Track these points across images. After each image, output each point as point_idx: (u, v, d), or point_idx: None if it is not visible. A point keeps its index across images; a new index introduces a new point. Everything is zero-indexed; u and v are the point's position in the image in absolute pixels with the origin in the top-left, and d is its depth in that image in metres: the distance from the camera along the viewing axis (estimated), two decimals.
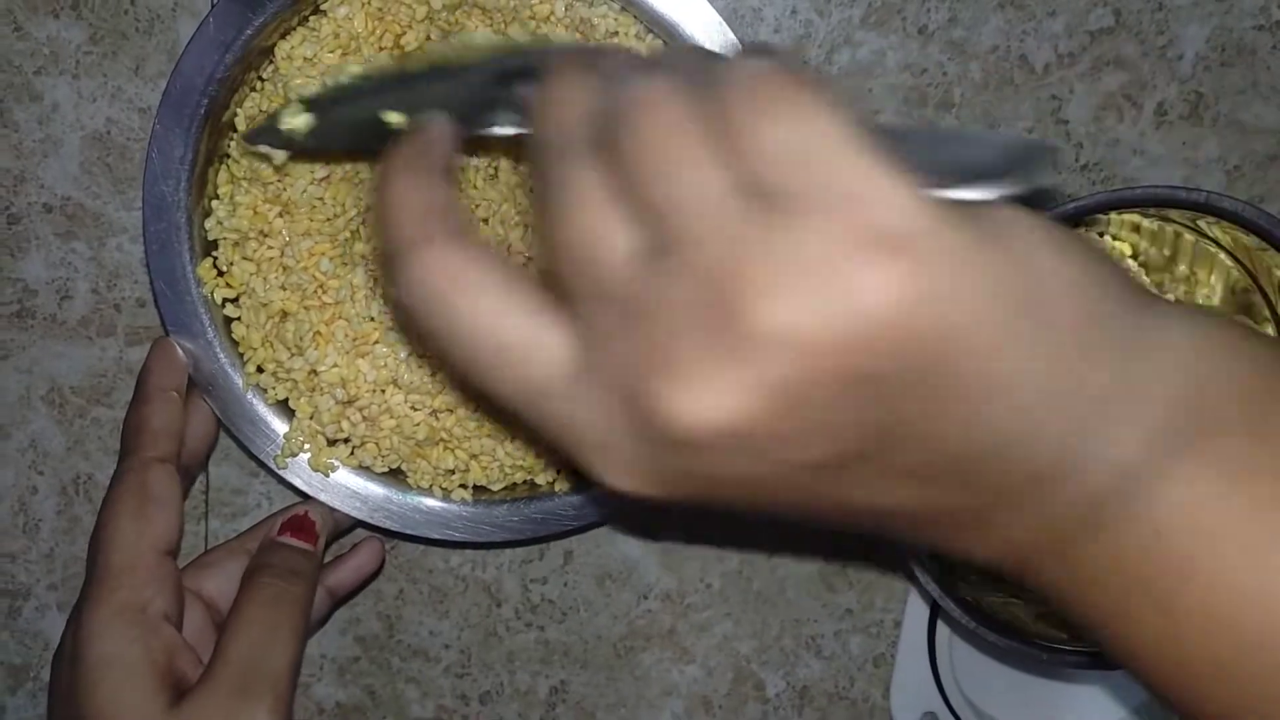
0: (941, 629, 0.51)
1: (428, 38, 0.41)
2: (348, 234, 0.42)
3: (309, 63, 0.42)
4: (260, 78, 0.42)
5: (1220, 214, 0.40)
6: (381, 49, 0.42)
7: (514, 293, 0.23)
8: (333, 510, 0.45)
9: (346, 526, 0.47)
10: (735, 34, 0.42)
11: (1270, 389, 0.24)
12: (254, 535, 0.45)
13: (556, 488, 0.45)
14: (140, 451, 0.41)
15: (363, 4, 0.41)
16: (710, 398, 0.21)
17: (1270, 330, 0.43)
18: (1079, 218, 0.42)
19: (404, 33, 0.41)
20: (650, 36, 0.43)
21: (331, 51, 0.41)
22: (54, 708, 0.40)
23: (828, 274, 0.20)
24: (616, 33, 0.42)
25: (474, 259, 0.24)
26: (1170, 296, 0.47)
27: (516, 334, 0.23)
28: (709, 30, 0.42)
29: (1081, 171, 0.50)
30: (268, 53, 0.42)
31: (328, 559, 0.46)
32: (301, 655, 0.40)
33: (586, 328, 0.23)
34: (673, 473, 0.23)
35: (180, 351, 0.42)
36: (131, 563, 0.39)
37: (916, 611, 0.52)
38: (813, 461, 0.22)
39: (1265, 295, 0.43)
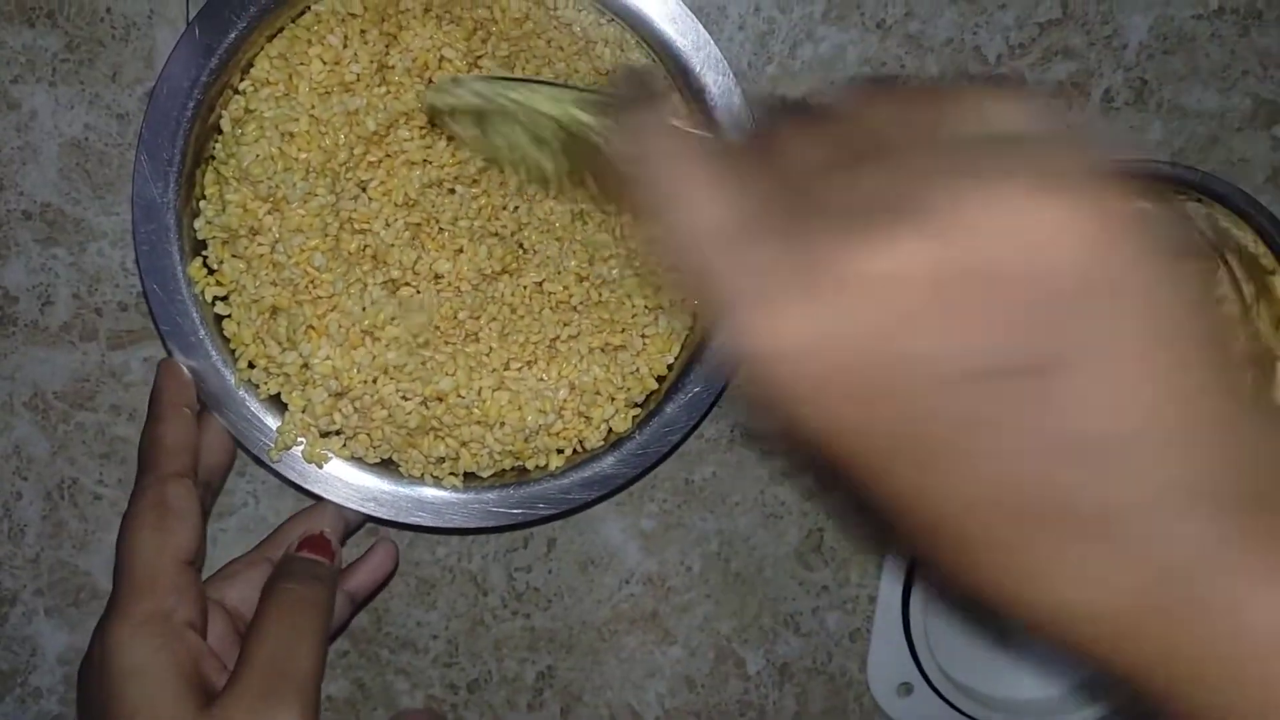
0: (915, 600, 0.53)
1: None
2: (337, 226, 0.43)
3: (282, 58, 0.43)
4: (244, 79, 0.43)
5: (1209, 194, 0.42)
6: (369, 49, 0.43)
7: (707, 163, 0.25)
8: (341, 509, 0.46)
9: (357, 524, 0.48)
10: (704, 30, 0.44)
11: None
12: (272, 544, 0.46)
13: (551, 465, 0.46)
14: (157, 468, 0.42)
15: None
16: (890, 246, 0.22)
17: (1229, 291, 0.45)
18: None
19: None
20: (611, 24, 0.44)
21: (309, 45, 0.42)
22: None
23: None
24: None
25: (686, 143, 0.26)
26: None
27: (700, 189, 0.24)
28: (678, 25, 0.43)
29: None
30: (252, 57, 0.43)
31: (344, 561, 0.47)
32: (325, 658, 0.41)
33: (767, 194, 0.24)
34: (822, 322, 0.22)
35: (186, 370, 0.43)
36: (154, 574, 0.40)
37: (891, 585, 0.54)
38: (960, 359, 0.22)
39: (1227, 263, 0.46)
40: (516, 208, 0.45)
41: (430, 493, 0.45)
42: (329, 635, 0.42)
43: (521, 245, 0.45)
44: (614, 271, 0.46)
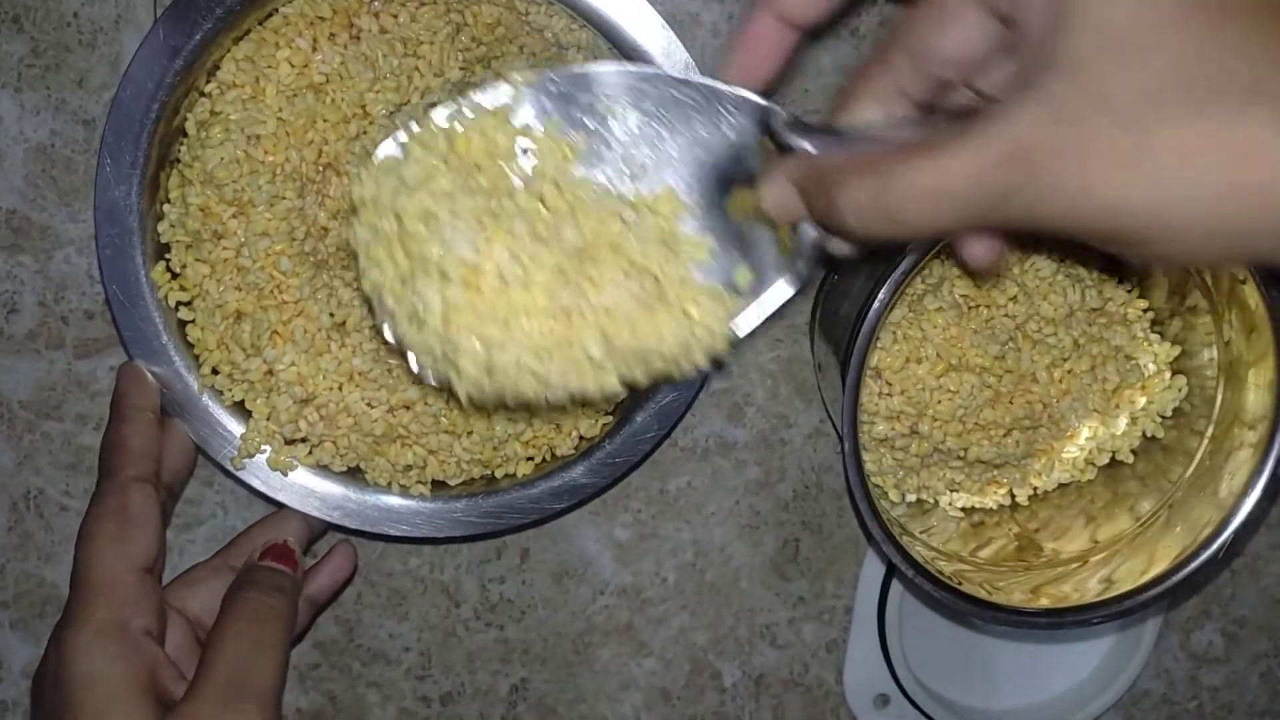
0: (891, 612, 0.53)
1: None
2: (305, 230, 0.42)
3: (249, 60, 0.42)
4: (210, 82, 0.43)
5: None
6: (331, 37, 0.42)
7: None
8: (306, 517, 0.45)
9: (321, 530, 0.47)
10: (675, 37, 0.44)
11: None
12: (235, 551, 0.45)
13: (520, 473, 0.45)
14: (119, 472, 0.41)
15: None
16: None
17: (1207, 320, 0.45)
18: None
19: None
20: (583, 30, 0.44)
21: (277, 48, 0.42)
22: None
23: None
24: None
25: None
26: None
27: None
28: (649, 32, 0.43)
29: None
30: (219, 59, 0.42)
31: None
32: (286, 668, 0.41)
33: None
34: None
35: (149, 375, 0.43)
36: (112, 582, 0.39)
37: (867, 595, 0.53)
38: None
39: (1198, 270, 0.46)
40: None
41: (397, 502, 0.45)
42: (290, 646, 0.41)
43: None
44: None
